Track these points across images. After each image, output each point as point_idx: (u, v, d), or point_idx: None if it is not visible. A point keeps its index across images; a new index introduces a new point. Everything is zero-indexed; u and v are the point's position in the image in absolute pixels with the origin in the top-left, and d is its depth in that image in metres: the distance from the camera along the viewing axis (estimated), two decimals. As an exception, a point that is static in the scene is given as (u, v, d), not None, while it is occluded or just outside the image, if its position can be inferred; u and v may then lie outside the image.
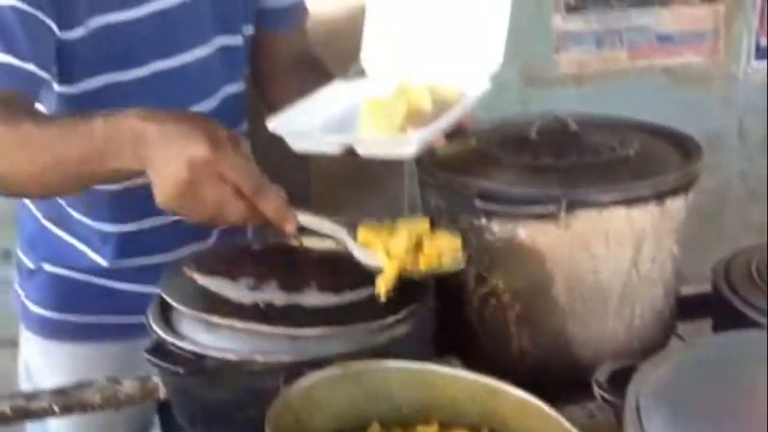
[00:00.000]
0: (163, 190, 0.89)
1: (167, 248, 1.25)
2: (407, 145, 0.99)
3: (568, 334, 1.08)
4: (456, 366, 1.06)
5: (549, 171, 1.07)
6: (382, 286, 0.97)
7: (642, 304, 1.09)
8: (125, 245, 1.26)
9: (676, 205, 1.07)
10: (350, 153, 1.02)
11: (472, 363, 1.04)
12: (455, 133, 1.07)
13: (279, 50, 1.33)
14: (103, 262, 1.27)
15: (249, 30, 1.27)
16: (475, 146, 1.15)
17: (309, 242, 1.09)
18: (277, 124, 1.02)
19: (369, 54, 1.17)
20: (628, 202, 1.03)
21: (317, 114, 1.08)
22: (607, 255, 1.04)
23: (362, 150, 1.01)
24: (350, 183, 4.31)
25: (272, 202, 0.93)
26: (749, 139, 2.84)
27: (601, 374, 0.89)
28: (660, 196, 1.04)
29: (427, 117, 1.04)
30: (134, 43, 1.14)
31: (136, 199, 1.12)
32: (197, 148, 0.87)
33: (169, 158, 0.88)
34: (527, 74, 2.58)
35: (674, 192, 1.06)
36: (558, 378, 1.05)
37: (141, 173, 0.92)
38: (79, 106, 1.12)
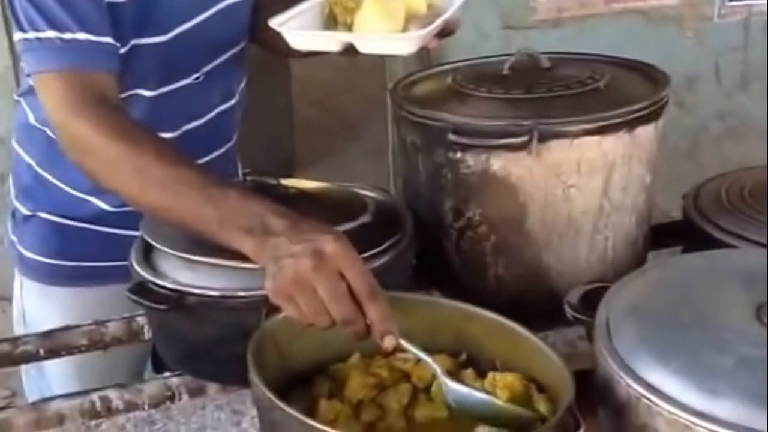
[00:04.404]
0: (281, 277, 0.87)
1: None
2: (409, 43, 1.02)
3: (543, 264, 1.10)
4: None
5: (520, 103, 1.08)
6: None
7: (615, 234, 1.12)
8: None
9: (646, 133, 1.09)
10: (349, 51, 1.04)
11: (451, 294, 1.06)
12: (444, 34, 1.09)
13: None
14: (108, 208, 1.28)
15: None
16: (450, 84, 1.17)
17: (287, 182, 1.11)
18: (279, 21, 1.05)
19: None
20: (599, 130, 1.05)
21: (317, 15, 1.10)
22: (578, 184, 1.06)
23: (363, 47, 1.03)
24: (332, 132, 4.29)
25: (381, 310, 0.86)
26: (726, 79, 2.86)
27: (573, 296, 0.91)
28: (630, 124, 1.06)
29: (422, 20, 1.05)
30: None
31: None
32: (326, 241, 0.87)
33: (295, 248, 0.87)
34: (507, 20, 2.59)
35: (644, 120, 1.07)
36: (534, 307, 1.06)
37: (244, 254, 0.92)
38: None
